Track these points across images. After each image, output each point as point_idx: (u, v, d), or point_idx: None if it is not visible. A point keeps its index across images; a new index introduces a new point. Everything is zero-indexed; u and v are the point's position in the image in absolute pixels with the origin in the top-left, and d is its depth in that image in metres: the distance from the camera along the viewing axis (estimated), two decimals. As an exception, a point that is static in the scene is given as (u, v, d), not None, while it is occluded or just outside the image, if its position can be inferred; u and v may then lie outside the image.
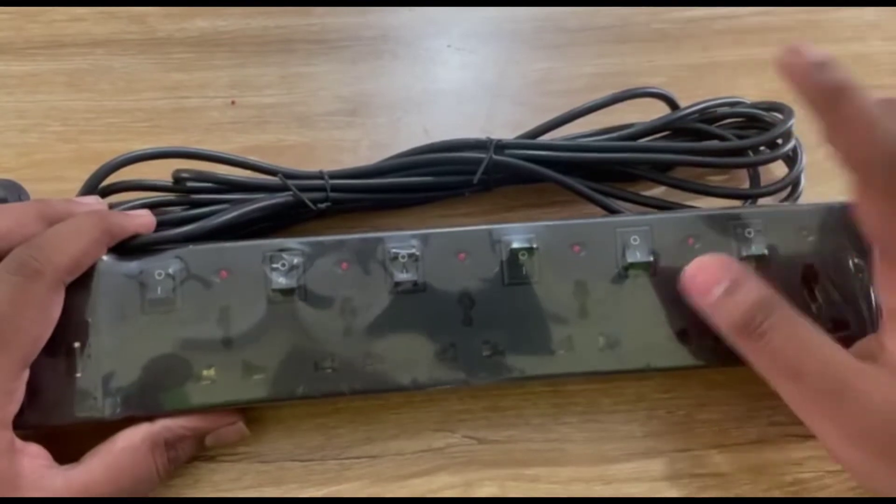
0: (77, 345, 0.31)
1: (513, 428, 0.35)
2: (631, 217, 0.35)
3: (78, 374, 0.31)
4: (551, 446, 0.34)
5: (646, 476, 0.34)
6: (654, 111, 0.40)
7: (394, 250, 0.33)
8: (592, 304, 0.33)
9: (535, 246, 0.33)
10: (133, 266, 0.32)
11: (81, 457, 0.31)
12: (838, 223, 0.34)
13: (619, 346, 0.33)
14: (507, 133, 0.40)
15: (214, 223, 0.34)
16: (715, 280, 0.30)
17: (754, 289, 0.29)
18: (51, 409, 0.31)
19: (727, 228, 0.34)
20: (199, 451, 0.33)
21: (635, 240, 0.33)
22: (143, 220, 0.33)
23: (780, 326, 0.28)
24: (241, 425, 0.33)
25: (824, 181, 0.39)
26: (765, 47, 0.45)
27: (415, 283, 0.33)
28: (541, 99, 0.43)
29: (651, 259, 0.33)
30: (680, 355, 0.33)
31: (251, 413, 0.34)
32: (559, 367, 0.33)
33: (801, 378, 0.27)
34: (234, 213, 0.34)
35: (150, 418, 0.32)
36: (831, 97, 0.27)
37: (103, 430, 0.31)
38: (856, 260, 0.33)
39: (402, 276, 0.33)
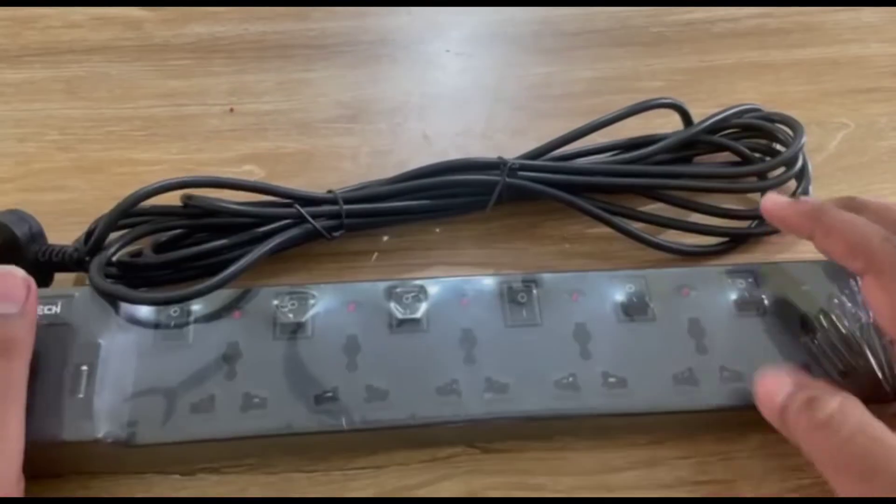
0: (85, 368, 0.31)
1: (516, 437, 0.35)
2: (627, 272, 0.36)
3: (80, 395, 0.31)
4: (554, 455, 0.34)
5: (648, 484, 0.34)
6: (657, 113, 0.40)
7: (399, 290, 0.34)
8: (594, 345, 0.34)
9: (534, 291, 0.34)
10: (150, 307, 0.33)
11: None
12: (834, 276, 0.34)
13: (625, 387, 0.33)
14: (506, 137, 0.40)
15: (230, 273, 0.33)
16: (784, 382, 0.29)
17: (820, 385, 0.28)
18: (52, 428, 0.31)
19: (722, 282, 0.35)
20: None
21: (630, 288, 0.35)
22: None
23: (848, 414, 0.25)
24: None
25: (826, 187, 0.39)
26: (763, 50, 0.45)
27: (417, 322, 0.34)
28: (540, 103, 0.43)
29: (650, 305, 0.34)
30: (685, 399, 0.33)
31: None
32: (562, 406, 0.33)
33: (874, 477, 0.24)
34: (253, 259, 0.34)
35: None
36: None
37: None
38: (854, 310, 0.34)
39: (405, 316, 0.34)
